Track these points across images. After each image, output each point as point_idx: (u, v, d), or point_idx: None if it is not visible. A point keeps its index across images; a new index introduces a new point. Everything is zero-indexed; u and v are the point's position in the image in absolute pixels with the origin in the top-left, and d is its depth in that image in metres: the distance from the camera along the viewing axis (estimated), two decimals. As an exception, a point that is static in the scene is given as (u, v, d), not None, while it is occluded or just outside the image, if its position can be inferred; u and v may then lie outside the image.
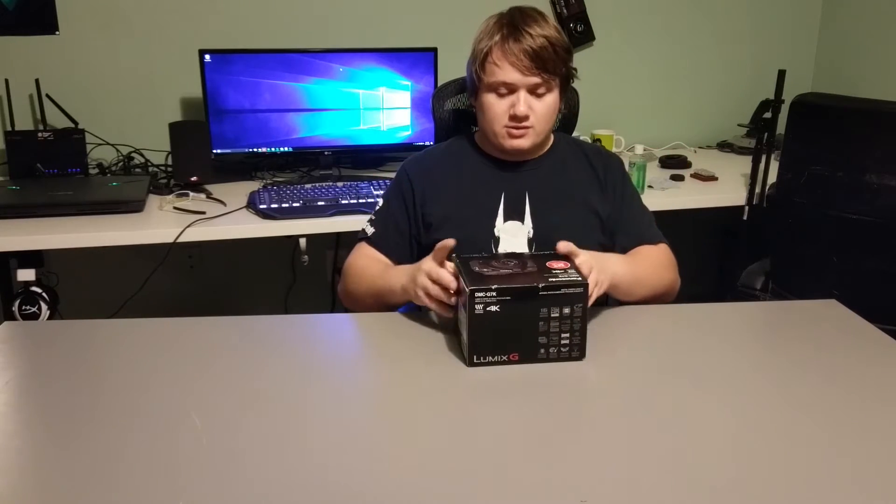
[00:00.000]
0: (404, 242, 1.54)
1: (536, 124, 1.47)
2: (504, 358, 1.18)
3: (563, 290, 1.16)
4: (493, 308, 1.15)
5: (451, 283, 1.24)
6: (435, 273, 1.26)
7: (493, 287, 1.14)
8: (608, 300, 1.43)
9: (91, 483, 0.90)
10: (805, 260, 2.10)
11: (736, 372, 1.20)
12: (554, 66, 1.43)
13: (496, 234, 1.49)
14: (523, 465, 0.95)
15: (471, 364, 1.17)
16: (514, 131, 1.47)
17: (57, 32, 2.37)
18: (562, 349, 1.19)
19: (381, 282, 1.44)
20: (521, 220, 1.50)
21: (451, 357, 1.22)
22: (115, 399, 1.09)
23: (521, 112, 1.43)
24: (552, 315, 1.17)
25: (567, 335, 1.18)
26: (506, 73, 1.42)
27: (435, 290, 1.26)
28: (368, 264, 1.51)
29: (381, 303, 1.44)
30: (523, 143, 1.48)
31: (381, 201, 1.60)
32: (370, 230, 1.55)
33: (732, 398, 1.12)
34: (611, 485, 0.91)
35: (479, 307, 1.14)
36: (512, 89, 1.44)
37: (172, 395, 1.10)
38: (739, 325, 1.41)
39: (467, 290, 1.15)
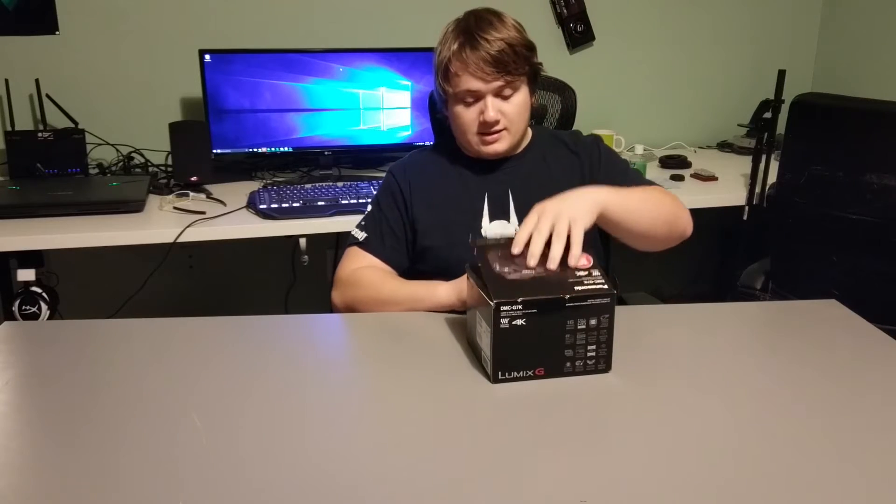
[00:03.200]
0: (401, 247, 1.53)
1: (510, 126, 1.46)
2: (530, 373, 1.14)
3: (589, 301, 1.12)
4: (519, 322, 1.10)
5: None
6: None
7: (518, 300, 1.09)
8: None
9: (91, 483, 0.90)
10: (805, 260, 2.10)
11: (736, 372, 1.20)
12: (516, 68, 1.41)
13: (483, 234, 1.49)
14: (524, 467, 0.95)
15: (495, 381, 1.12)
16: (487, 137, 1.46)
17: (57, 32, 2.37)
18: (588, 362, 1.15)
19: (406, 289, 1.42)
20: (507, 218, 1.50)
21: (460, 357, 1.22)
22: (115, 399, 1.09)
23: (490, 118, 1.42)
24: (579, 327, 1.13)
25: (594, 347, 1.14)
26: (467, 82, 1.41)
27: None
28: (375, 275, 1.47)
29: (400, 310, 1.40)
30: (499, 147, 1.48)
31: (369, 207, 1.58)
32: (361, 235, 1.53)
33: (732, 398, 1.12)
34: (611, 485, 0.91)
35: (504, 321, 1.09)
36: (478, 96, 1.43)
37: (172, 395, 1.10)
38: (739, 325, 1.41)
39: (492, 303, 1.09)
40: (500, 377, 1.13)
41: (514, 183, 1.52)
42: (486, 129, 1.45)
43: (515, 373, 1.13)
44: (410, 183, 1.54)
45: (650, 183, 1.54)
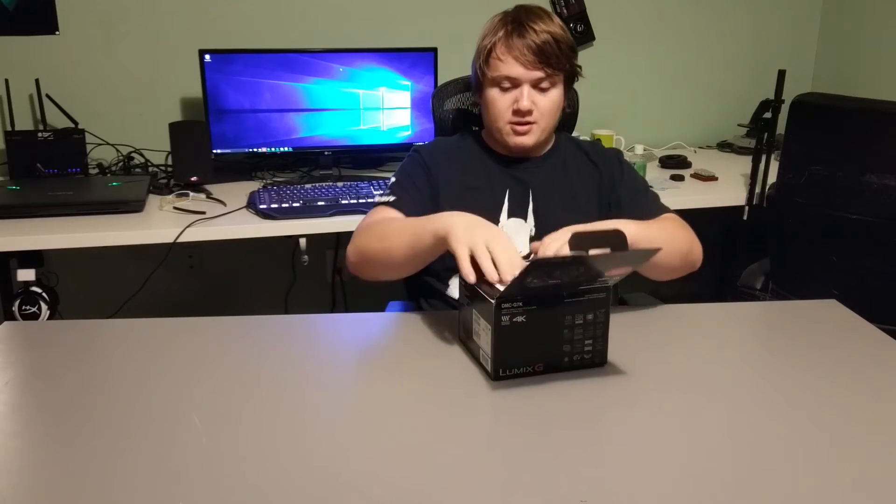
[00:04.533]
0: (428, 209, 1.45)
1: (540, 120, 1.47)
2: (529, 369, 1.14)
3: (586, 297, 1.13)
4: (519, 318, 1.11)
5: (518, 266, 1.13)
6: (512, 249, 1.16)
7: (518, 297, 1.10)
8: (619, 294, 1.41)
9: (91, 483, 0.90)
10: (805, 260, 2.10)
11: (736, 372, 1.20)
12: (558, 62, 1.44)
13: (500, 229, 1.48)
14: (524, 466, 0.95)
15: (496, 378, 1.13)
16: (518, 127, 1.47)
17: (57, 32, 2.37)
18: (584, 356, 1.16)
19: (414, 223, 1.31)
20: (524, 217, 1.50)
21: (459, 356, 1.22)
22: (115, 399, 1.09)
23: (524, 106, 1.44)
24: (576, 322, 1.14)
25: (590, 341, 1.16)
26: (509, 67, 1.43)
27: (503, 259, 1.13)
28: (388, 219, 1.41)
29: (403, 253, 1.32)
30: (527, 139, 1.48)
31: (394, 177, 1.53)
32: (390, 197, 1.47)
33: (732, 398, 1.12)
34: (610, 485, 0.91)
35: (505, 318, 1.10)
36: (515, 84, 1.45)
37: (172, 395, 1.10)
38: (739, 325, 1.41)
39: (493, 300, 1.09)
40: (500, 374, 1.13)
41: (535, 183, 1.53)
42: (519, 117, 1.46)
43: (515, 369, 1.13)
44: (437, 164, 1.54)
45: (666, 209, 1.55)
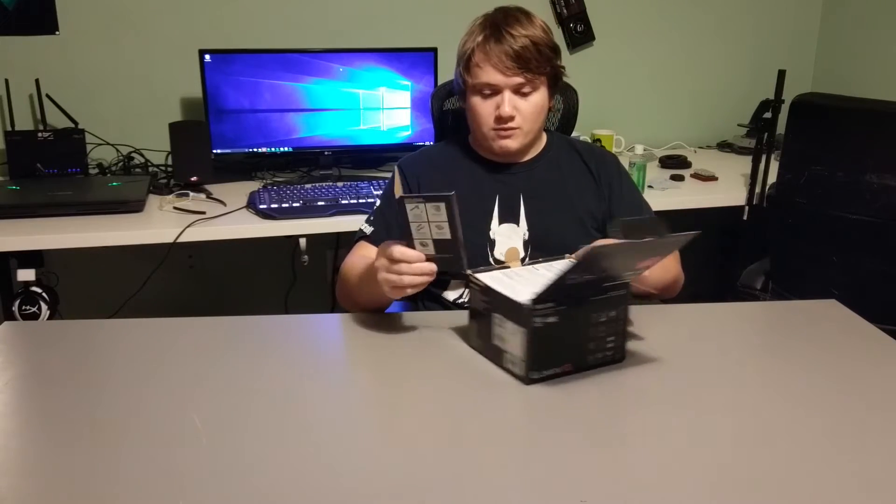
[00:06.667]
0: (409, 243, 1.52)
1: (523, 124, 1.46)
2: (558, 370, 1.14)
3: (608, 294, 1.14)
4: (552, 319, 1.10)
5: (415, 257, 1.19)
6: (398, 252, 1.21)
7: (551, 299, 1.09)
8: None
9: (91, 483, 0.90)
10: (805, 260, 2.10)
11: (736, 372, 1.20)
12: (538, 66, 1.43)
13: (492, 237, 1.49)
14: (523, 468, 0.95)
15: (529, 382, 1.12)
16: (502, 132, 1.46)
17: (57, 32, 2.37)
18: (606, 353, 1.17)
19: (369, 272, 1.37)
20: (517, 222, 1.50)
21: (458, 356, 1.22)
22: (115, 399, 1.09)
23: (505, 113, 1.43)
24: (601, 319, 1.14)
25: (612, 338, 1.16)
26: (488, 74, 1.42)
27: (406, 270, 1.21)
28: (359, 262, 1.46)
29: (372, 298, 1.38)
30: (511, 143, 1.48)
31: (378, 201, 1.58)
32: (368, 229, 1.52)
33: (732, 398, 1.12)
34: (609, 485, 0.91)
35: (538, 320, 1.09)
36: (496, 90, 1.44)
37: (172, 395, 1.10)
38: (739, 325, 1.41)
39: (523, 304, 1.09)
40: (534, 377, 1.12)
41: (525, 187, 1.52)
42: (501, 123, 1.45)
43: (545, 371, 1.13)
44: (419, 178, 1.54)
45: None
